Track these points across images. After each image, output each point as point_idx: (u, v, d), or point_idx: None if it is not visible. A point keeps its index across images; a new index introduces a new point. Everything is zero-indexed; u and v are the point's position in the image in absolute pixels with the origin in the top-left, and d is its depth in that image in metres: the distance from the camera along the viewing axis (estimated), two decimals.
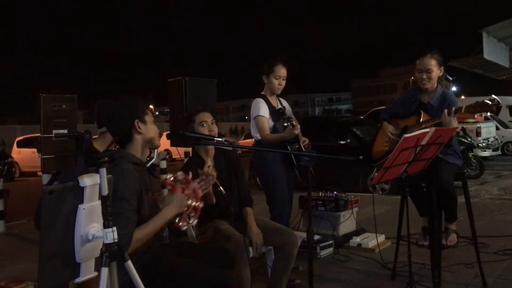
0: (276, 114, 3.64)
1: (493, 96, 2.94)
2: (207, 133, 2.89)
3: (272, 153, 3.54)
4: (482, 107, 2.92)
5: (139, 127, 2.21)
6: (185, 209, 2.24)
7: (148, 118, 2.25)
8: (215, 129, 2.99)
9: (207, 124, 2.94)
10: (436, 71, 3.20)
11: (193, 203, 2.28)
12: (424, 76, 3.19)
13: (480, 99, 3.06)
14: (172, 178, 2.28)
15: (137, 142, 2.23)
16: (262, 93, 3.70)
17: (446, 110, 2.95)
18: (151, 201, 2.23)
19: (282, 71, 3.63)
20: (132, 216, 2.04)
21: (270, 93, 3.69)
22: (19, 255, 4.84)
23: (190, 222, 2.29)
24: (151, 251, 2.20)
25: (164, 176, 8.65)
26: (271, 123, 3.60)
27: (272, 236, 2.93)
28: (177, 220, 2.23)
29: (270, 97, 3.68)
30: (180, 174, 2.31)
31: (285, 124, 3.50)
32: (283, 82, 3.67)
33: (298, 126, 3.51)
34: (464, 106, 2.96)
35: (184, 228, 2.30)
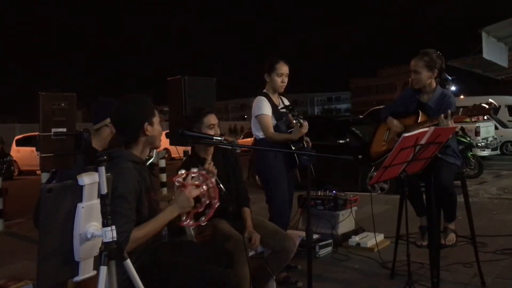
0: (279, 112, 3.56)
1: (490, 100, 2.95)
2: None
3: (274, 152, 3.48)
4: (479, 111, 2.96)
5: (147, 130, 2.20)
6: (190, 208, 2.19)
7: (155, 119, 2.25)
8: (219, 131, 3.01)
9: (214, 127, 2.96)
10: (425, 73, 3.23)
11: (207, 201, 2.23)
12: (413, 77, 3.30)
13: (479, 98, 3.09)
14: (183, 175, 2.22)
15: (141, 142, 2.23)
16: (264, 91, 3.64)
17: (442, 115, 2.98)
18: (152, 201, 2.22)
19: (284, 68, 3.57)
20: (131, 215, 2.03)
21: (273, 91, 3.63)
22: (18, 253, 4.84)
23: (200, 221, 2.24)
24: (150, 250, 2.19)
25: (163, 175, 8.66)
26: (273, 121, 3.54)
27: (269, 239, 2.93)
28: (183, 219, 2.20)
29: (272, 96, 3.62)
30: (195, 170, 2.26)
31: (295, 121, 3.39)
32: (286, 80, 3.62)
33: (306, 124, 3.41)
34: (461, 109, 2.99)
35: (192, 226, 2.26)
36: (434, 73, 3.25)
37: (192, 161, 2.95)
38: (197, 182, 2.23)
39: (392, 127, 3.39)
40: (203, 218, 2.25)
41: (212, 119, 2.98)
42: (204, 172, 2.29)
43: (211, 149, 3.00)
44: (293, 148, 3.45)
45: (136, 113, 2.19)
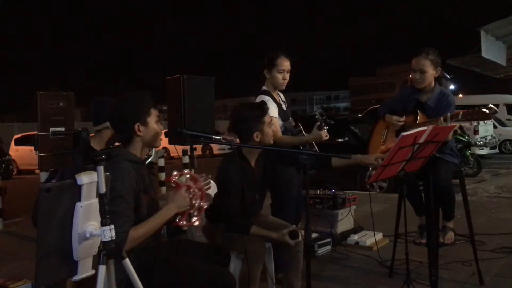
0: (284, 112, 3.44)
1: (491, 105, 2.94)
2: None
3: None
4: (480, 115, 2.93)
5: (139, 130, 2.18)
6: (187, 208, 2.19)
7: (151, 119, 2.22)
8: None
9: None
10: (431, 72, 3.19)
11: (198, 202, 2.22)
12: (417, 76, 3.22)
13: (478, 97, 3.08)
14: (177, 175, 2.21)
15: (137, 143, 2.21)
16: (264, 88, 3.44)
17: (442, 117, 2.96)
18: (151, 200, 2.22)
19: (285, 64, 3.36)
20: (129, 214, 2.03)
21: (273, 88, 3.44)
22: (16, 253, 4.84)
23: (192, 221, 2.23)
24: (148, 249, 2.19)
25: (162, 174, 8.66)
26: (280, 122, 3.38)
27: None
28: (177, 219, 2.19)
29: (273, 93, 3.43)
30: (187, 171, 2.25)
31: (325, 128, 3.27)
32: (287, 76, 3.40)
33: (325, 130, 3.30)
34: (461, 113, 2.96)
35: (185, 228, 2.27)
36: (437, 72, 3.22)
37: (242, 164, 2.72)
38: (188, 184, 2.21)
39: (392, 122, 3.33)
40: (193, 221, 2.24)
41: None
42: (193, 173, 2.28)
43: (257, 150, 2.81)
44: (302, 149, 3.30)
45: (127, 114, 2.17)
